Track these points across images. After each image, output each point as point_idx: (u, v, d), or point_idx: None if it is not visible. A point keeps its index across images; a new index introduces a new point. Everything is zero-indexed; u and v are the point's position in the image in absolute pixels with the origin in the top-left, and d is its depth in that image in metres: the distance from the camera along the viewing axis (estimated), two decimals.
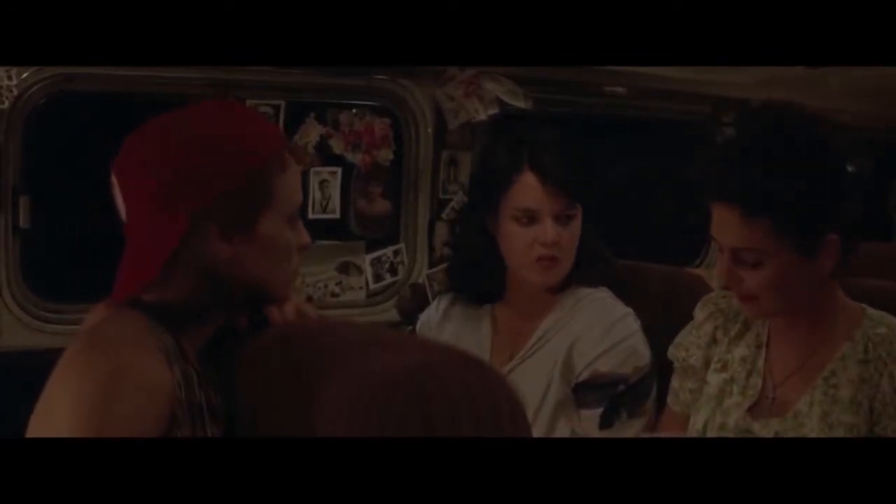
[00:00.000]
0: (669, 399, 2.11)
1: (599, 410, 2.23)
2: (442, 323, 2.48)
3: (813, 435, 1.83)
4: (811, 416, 1.85)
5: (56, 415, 1.39)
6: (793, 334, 1.93)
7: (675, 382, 2.10)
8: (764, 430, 1.89)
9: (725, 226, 1.82)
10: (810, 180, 1.77)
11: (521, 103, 3.06)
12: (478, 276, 2.41)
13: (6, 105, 2.44)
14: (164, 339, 1.48)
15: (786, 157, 1.78)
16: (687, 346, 2.06)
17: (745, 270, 1.83)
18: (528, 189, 2.25)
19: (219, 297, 1.56)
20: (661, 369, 2.19)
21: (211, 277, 1.53)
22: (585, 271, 2.35)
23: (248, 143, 1.53)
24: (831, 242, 1.80)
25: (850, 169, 1.83)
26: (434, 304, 2.56)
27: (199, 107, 1.62)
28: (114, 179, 1.55)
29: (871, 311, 1.91)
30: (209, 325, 1.58)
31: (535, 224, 2.25)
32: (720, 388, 1.98)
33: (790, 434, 1.85)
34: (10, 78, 2.44)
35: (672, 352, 2.10)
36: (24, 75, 2.48)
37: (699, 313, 2.07)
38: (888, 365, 1.82)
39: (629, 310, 2.32)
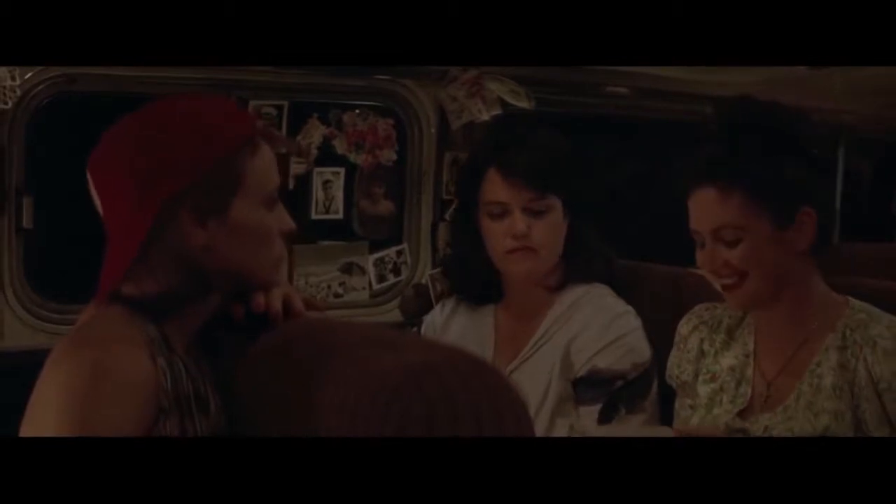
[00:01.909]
0: (675, 423, 2.12)
1: (598, 406, 2.24)
2: (446, 325, 2.50)
3: (799, 425, 1.85)
4: (798, 408, 1.87)
5: (42, 414, 1.40)
6: (778, 335, 1.95)
7: (676, 404, 2.11)
8: (754, 425, 1.90)
9: (703, 210, 1.88)
10: (781, 158, 1.83)
11: (523, 104, 3.05)
12: (473, 276, 2.43)
13: (9, 105, 2.45)
14: (148, 330, 1.49)
15: (758, 138, 1.85)
16: (678, 364, 2.08)
17: (726, 250, 1.87)
18: (494, 183, 2.31)
19: (199, 284, 1.56)
20: (662, 370, 2.19)
21: (189, 265, 1.54)
22: (582, 269, 2.36)
23: (214, 130, 1.54)
24: (806, 215, 1.85)
25: (818, 153, 1.88)
26: (438, 307, 2.58)
27: (167, 101, 1.62)
28: (88, 177, 1.56)
29: (854, 301, 1.93)
30: (196, 315, 1.58)
31: (506, 217, 2.30)
32: (709, 398, 2.00)
33: (780, 427, 1.87)
34: (13, 78, 2.44)
35: (668, 375, 2.12)
36: (28, 75, 2.48)
37: (683, 328, 2.09)
38: (863, 348, 1.84)
39: (629, 307, 2.33)
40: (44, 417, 1.39)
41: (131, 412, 1.40)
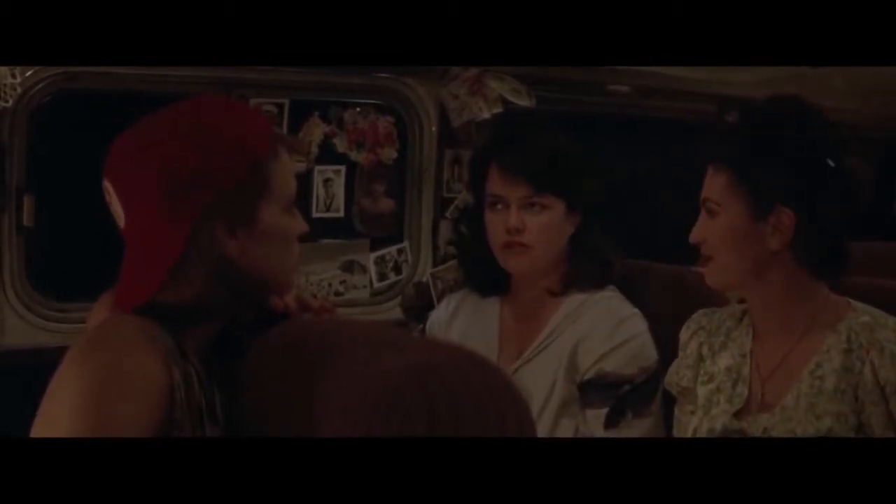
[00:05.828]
0: (675, 430, 2.12)
1: (605, 410, 2.24)
2: (451, 322, 2.50)
3: (801, 427, 1.84)
4: (798, 409, 1.86)
5: (56, 414, 1.39)
6: (773, 334, 1.95)
7: (677, 411, 2.11)
8: (752, 426, 1.90)
9: (705, 182, 1.96)
10: (779, 159, 1.87)
11: (524, 102, 3.05)
12: (481, 266, 2.45)
13: (10, 103, 2.44)
14: (165, 340, 1.48)
15: (769, 138, 1.89)
16: (678, 370, 2.08)
17: (707, 221, 1.93)
18: (496, 176, 2.35)
19: (229, 294, 1.56)
20: (665, 372, 2.19)
21: (221, 275, 1.54)
22: (584, 273, 2.36)
23: (242, 137, 1.54)
24: (782, 213, 1.86)
25: (825, 161, 1.89)
26: (444, 304, 2.59)
27: (188, 104, 1.60)
28: (107, 185, 1.54)
29: (856, 303, 1.93)
30: (214, 324, 1.59)
31: (505, 211, 2.33)
32: (707, 399, 2.00)
33: (779, 428, 1.87)
34: (13, 76, 2.43)
35: (667, 382, 2.12)
36: (28, 73, 2.47)
37: (683, 335, 2.10)
38: (869, 352, 1.84)
39: (636, 310, 2.33)
40: (57, 417, 1.38)
41: (144, 416, 1.39)
